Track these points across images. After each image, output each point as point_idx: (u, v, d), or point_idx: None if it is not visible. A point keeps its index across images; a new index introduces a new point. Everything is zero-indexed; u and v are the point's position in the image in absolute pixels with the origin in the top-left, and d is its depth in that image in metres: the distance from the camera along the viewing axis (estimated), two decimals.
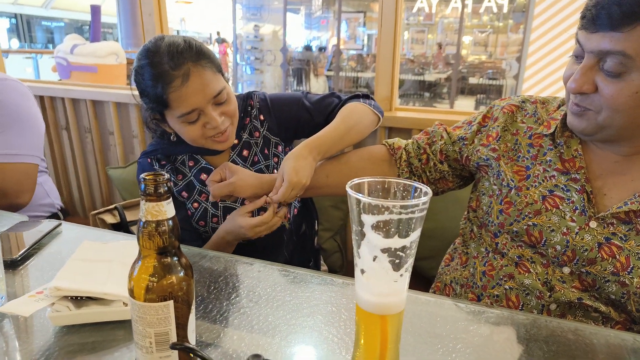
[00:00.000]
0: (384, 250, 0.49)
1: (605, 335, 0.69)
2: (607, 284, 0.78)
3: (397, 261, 0.49)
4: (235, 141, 1.14)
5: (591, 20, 0.70)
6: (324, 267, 1.45)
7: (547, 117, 0.89)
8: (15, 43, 16.19)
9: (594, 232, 0.79)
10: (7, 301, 0.69)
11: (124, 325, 0.67)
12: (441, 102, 8.50)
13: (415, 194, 0.52)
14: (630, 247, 0.77)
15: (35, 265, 0.86)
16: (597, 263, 0.78)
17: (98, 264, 0.75)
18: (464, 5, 6.97)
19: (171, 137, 1.10)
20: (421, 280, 1.43)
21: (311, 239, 1.34)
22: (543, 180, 0.85)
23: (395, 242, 0.48)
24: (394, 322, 0.52)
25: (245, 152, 1.15)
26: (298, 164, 0.92)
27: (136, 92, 1.03)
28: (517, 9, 6.94)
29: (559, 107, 0.90)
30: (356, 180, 0.52)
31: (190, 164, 1.13)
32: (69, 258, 0.77)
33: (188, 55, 0.95)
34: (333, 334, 0.67)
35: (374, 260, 0.50)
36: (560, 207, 0.82)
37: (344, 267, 1.62)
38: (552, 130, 0.86)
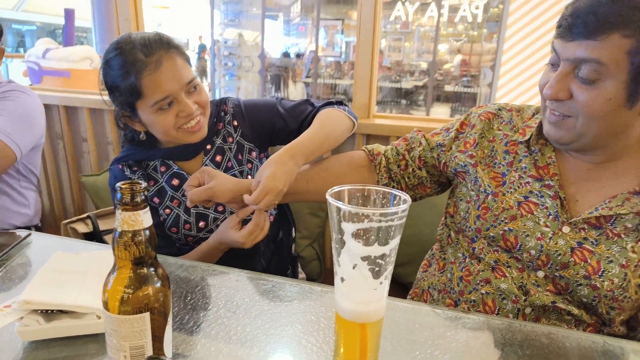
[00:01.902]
0: (364, 258, 0.49)
1: (577, 338, 0.71)
2: (580, 288, 0.80)
3: (377, 269, 0.50)
4: (208, 146, 1.14)
5: (567, 29, 0.73)
6: (302, 275, 1.45)
7: (522, 125, 0.92)
8: None
9: (567, 237, 0.82)
10: None
11: (97, 339, 0.65)
12: (417, 110, 8.63)
13: (395, 202, 0.52)
14: (600, 251, 0.79)
15: (2, 278, 0.83)
16: (569, 267, 0.81)
17: (70, 275, 0.73)
18: (439, 14, 7.10)
19: (140, 136, 1.08)
20: (399, 287, 1.44)
21: (289, 247, 1.33)
22: (518, 187, 0.87)
23: (375, 250, 0.49)
24: (374, 330, 0.53)
25: (218, 158, 1.14)
26: (277, 169, 0.91)
27: (106, 96, 1.03)
28: (491, 19, 7.13)
29: (533, 115, 0.93)
30: (336, 188, 0.52)
31: (162, 170, 1.12)
32: (39, 270, 0.75)
33: (159, 45, 0.97)
34: (312, 343, 0.66)
35: (354, 268, 0.50)
36: (535, 212, 0.84)
37: (322, 274, 1.62)
38: (527, 137, 0.88)
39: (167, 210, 1.11)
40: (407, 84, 8.37)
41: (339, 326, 0.54)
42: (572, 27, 0.72)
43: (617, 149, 0.81)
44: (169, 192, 1.11)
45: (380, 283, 0.50)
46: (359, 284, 0.51)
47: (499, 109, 0.96)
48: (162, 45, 0.98)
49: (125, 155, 1.12)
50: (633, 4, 0.68)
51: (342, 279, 0.51)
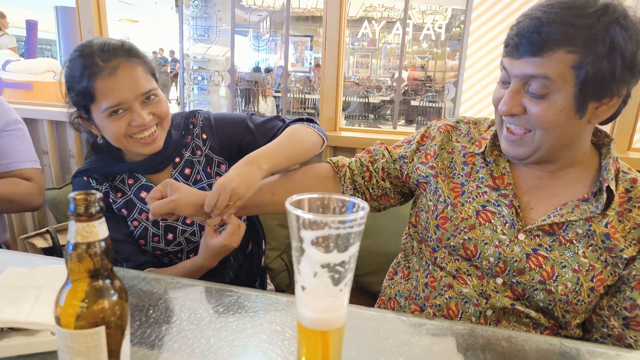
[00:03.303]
0: (323, 266, 0.49)
1: (536, 341, 0.73)
2: (536, 292, 0.83)
3: (337, 276, 0.50)
4: (177, 159, 1.13)
5: (514, 48, 0.76)
6: (270, 286, 1.44)
7: (479, 137, 0.95)
8: None
9: (523, 244, 0.85)
10: None
11: (53, 356, 0.63)
12: (385, 123, 8.79)
13: (354, 209, 0.53)
14: (554, 257, 0.83)
15: None
16: (525, 273, 0.83)
17: (24, 291, 0.70)
18: (404, 33, 7.31)
19: (98, 140, 1.08)
20: (367, 296, 1.45)
21: (258, 258, 1.32)
22: (476, 196, 0.90)
23: (335, 257, 0.49)
24: (335, 338, 0.53)
25: (187, 170, 1.13)
26: (230, 172, 0.90)
27: (67, 104, 1.03)
28: (453, 37, 7.41)
29: (489, 127, 0.97)
30: (295, 197, 0.52)
31: (130, 182, 1.11)
32: None
33: (120, 52, 0.97)
34: (277, 353, 0.66)
35: (315, 276, 0.50)
36: (492, 221, 0.87)
37: (291, 286, 1.61)
38: (482, 149, 0.91)
39: (135, 223, 1.10)
40: (375, 99, 8.53)
41: (301, 335, 0.54)
42: (518, 45, 0.75)
43: (569, 159, 0.85)
44: (138, 205, 1.10)
45: (341, 290, 0.51)
46: (319, 291, 0.51)
47: (457, 122, 0.99)
48: (122, 53, 0.97)
49: (89, 169, 1.10)
50: (573, 23, 0.71)
51: (303, 287, 0.51)
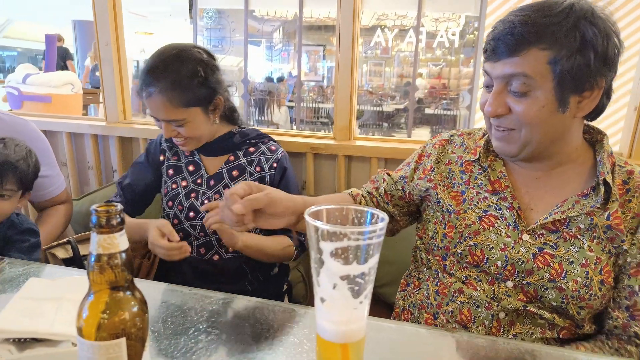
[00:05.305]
0: (343, 278, 0.49)
1: (559, 355, 0.71)
2: (547, 292, 0.83)
3: (357, 288, 0.50)
4: (232, 158, 1.26)
5: (492, 51, 0.81)
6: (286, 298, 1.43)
7: (474, 145, 0.98)
8: None
9: (528, 245, 0.86)
10: None
11: None
12: (399, 132, 8.75)
13: (372, 220, 0.53)
14: (561, 253, 0.83)
15: None
16: (534, 273, 0.84)
17: (45, 302, 0.71)
18: (418, 40, 7.31)
19: None
20: (384, 307, 1.43)
21: (279, 283, 1.36)
22: (477, 202, 0.92)
23: (354, 269, 0.49)
24: (355, 350, 0.52)
25: (235, 172, 1.24)
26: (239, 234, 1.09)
27: None
28: (467, 44, 7.37)
29: (483, 135, 0.98)
30: (314, 208, 0.52)
31: (187, 153, 1.29)
32: (12, 297, 0.73)
33: (156, 82, 1.12)
34: None
35: (334, 288, 0.50)
36: (496, 225, 0.89)
37: (308, 297, 1.60)
38: (477, 156, 0.94)
39: (174, 185, 1.27)
40: (388, 107, 8.52)
41: (320, 347, 0.53)
42: (495, 49, 0.80)
43: (562, 156, 0.87)
44: (183, 173, 1.27)
45: (360, 302, 0.50)
46: (339, 303, 0.50)
47: (451, 135, 1.04)
48: (157, 84, 1.12)
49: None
50: (542, 22, 0.76)
51: (322, 299, 0.51)
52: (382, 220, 0.50)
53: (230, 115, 1.29)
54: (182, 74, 1.12)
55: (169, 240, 1.09)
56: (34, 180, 1.24)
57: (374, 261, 0.50)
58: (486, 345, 0.73)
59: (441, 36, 7.26)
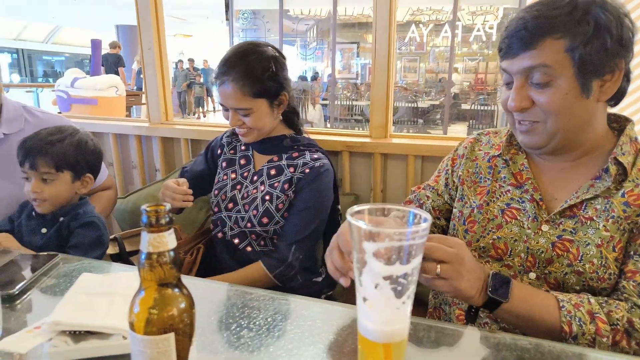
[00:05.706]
0: (385, 278, 0.49)
1: None
2: (567, 277, 0.83)
3: (399, 288, 0.50)
4: (275, 158, 1.30)
5: (508, 48, 0.82)
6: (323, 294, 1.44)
7: (499, 142, 0.99)
8: (16, 77, 16.42)
9: (547, 235, 0.86)
10: (4, 337, 0.68)
11: (124, 359, 0.66)
12: (435, 128, 8.60)
13: (415, 221, 0.52)
14: (579, 238, 0.83)
15: (32, 300, 0.85)
16: (554, 261, 0.85)
17: (97, 296, 0.74)
18: (454, 35, 7.15)
19: None
20: (420, 305, 1.42)
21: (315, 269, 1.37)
22: (500, 196, 0.93)
23: (397, 269, 0.49)
24: (398, 350, 0.52)
25: (272, 172, 1.29)
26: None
27: None
28: None
29: (508, 132, 0.98)
30: (356, 208, 0.53)
31: (242, 148, 1.37)
32: (67, 291, 0.77)
33: (231, 71, 1.19)
34: None
35: (376, 287, 0.50)
36: (518, 217, 0.90)
37: (345, 294, 1.60)
38: (501, 150, 0.95)
39: (225, 177, 1.35)
40: (424, 103, 8.38)
41: (362, 346, 0.54)
42: (511, 45, 0.81)
43: (587, 146, 0.86)
44: (235, 166, 1.35)
45: (403, 303, 0.50)
46: (381, 303, 0.50)
47: (478, 134, 1.06)
48: (232, 72, 1.19)
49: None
50: (553, 14, 0.77)
51: (365, 299, 0.51)
52: (425, 221, 0.50)
53: (291, 118, 1.34)
54: (255, 66, 1.19)
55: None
56: (86, 163, 1.22)
57: (417, 261, 0.49)
58: (530, 347, 0.70)
59: (478, 30, 7.07)
